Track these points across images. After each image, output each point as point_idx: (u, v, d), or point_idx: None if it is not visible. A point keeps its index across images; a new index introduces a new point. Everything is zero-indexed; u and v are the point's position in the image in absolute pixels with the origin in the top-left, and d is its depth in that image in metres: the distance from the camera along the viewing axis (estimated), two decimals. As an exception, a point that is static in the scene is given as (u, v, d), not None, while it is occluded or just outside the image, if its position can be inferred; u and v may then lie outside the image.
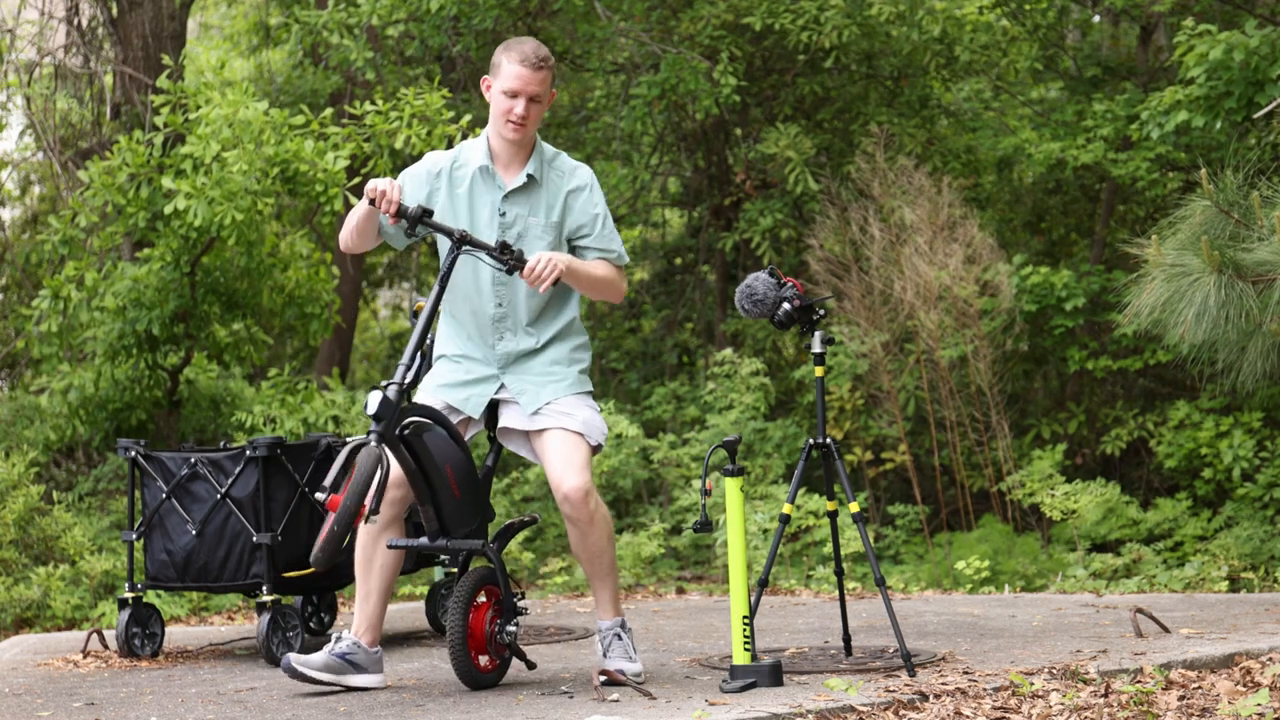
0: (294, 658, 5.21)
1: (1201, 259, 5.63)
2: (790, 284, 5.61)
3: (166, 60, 9.00)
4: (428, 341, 5.50)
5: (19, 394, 10.46)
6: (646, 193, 13.05)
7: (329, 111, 8.98)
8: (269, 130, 8.38)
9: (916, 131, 11.13)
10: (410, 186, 5.28)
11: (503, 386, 5.27)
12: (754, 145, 11.19)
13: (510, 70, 5.18)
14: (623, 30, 11.06)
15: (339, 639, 5.32)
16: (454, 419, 5.28)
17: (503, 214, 5.25)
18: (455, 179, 5.29)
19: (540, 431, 5.21)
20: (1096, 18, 12.75)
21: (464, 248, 5.05)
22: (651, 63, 11.05)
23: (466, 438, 5.30)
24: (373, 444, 4.83)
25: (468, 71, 11.74)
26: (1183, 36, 9.26)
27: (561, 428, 5.17)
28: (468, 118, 8.61)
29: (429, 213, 5.05)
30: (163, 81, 8.67)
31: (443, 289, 5.05)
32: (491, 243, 5.14)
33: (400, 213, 5.03)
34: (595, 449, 5.25)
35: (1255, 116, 8.59)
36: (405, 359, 4.97)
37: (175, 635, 7.08)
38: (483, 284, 5.26)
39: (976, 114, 11.83)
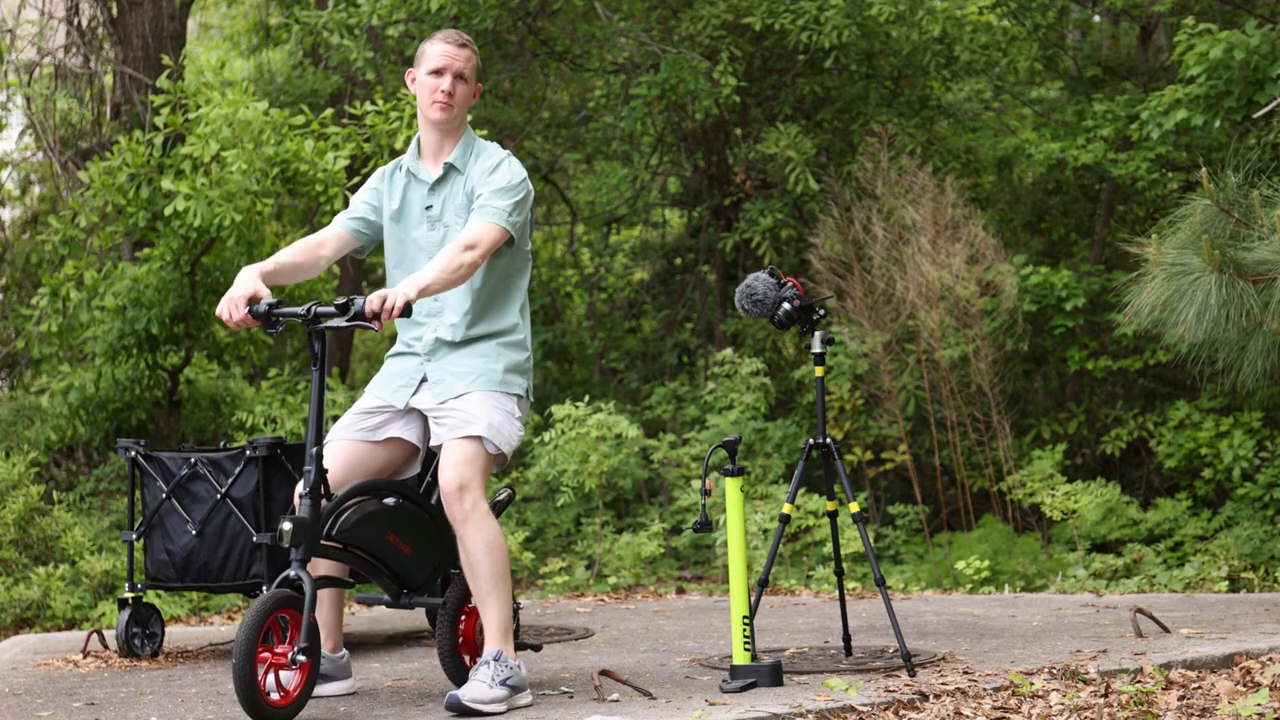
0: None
1: (1202, 258, 5.63)
2: (790, 284, 5.62)
3: (166, 60, 9.00)
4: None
5: (19, 394, 10.46)
6: (646, 193, 13.06)
7: (329, 111, 8.98)
8: (268, 130, 8.38)
9: (916, 131, 11.13)
10: (357, 210, 5.32)
11: (425, 379, 5.16)
12: (754, 145, 11.19)
13: (436, 50, 5.20)
14: (623, 30, 11.06)
15: None
16: (383, 428, 5.16)
17: (429, 207, 5.24)
18: (394, 182, 5.33)
19: (441, 427, 5.06)
20: (1096, 18, 12.75)
21: (316, 325, 4.90)
22: (651, 63, 11.05)
23: (414, 439, 5.18)
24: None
25: (468, 71, 11.71)
26: (1183, 35, 9.27)
27: (461, 435, 4.99)
28: (468, 118, 8.60)
29: (277, 304, 5.00)
30: (163, 81, 8.67)
31: (321, 371, 4.90)
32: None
33: (256, 316, 4.99)
34: (497, 456, 5.06)
35: (1255, 116, 8.59)
36: (310, 451, 4.85)
37: (175, 635, 7.08)
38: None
39: (976, 114, 11.83)
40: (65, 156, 10.65)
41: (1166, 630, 6.28)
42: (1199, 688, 5.13)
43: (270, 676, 4.71)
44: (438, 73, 5.18)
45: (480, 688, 4.87)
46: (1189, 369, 9.62)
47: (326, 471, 4.93)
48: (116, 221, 9.01)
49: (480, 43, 11.25)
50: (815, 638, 6.54)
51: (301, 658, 4.68)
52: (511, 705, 4.92)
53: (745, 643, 5.27)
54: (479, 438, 5.00)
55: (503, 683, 4.90)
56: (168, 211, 8.38)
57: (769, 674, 5.24)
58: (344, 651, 5.35)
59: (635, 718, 4.74)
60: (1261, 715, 4.66)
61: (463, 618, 5.19)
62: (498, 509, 5.30)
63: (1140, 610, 6.33)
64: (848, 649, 5.91)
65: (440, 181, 5.24)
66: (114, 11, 10.46)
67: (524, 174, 5.22)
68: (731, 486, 5.33)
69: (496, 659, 4.94)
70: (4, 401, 10.16)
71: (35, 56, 10.90)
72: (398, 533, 5.06)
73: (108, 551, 8.52)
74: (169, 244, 8.83)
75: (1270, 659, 5.58)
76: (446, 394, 5.09)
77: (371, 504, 5.02)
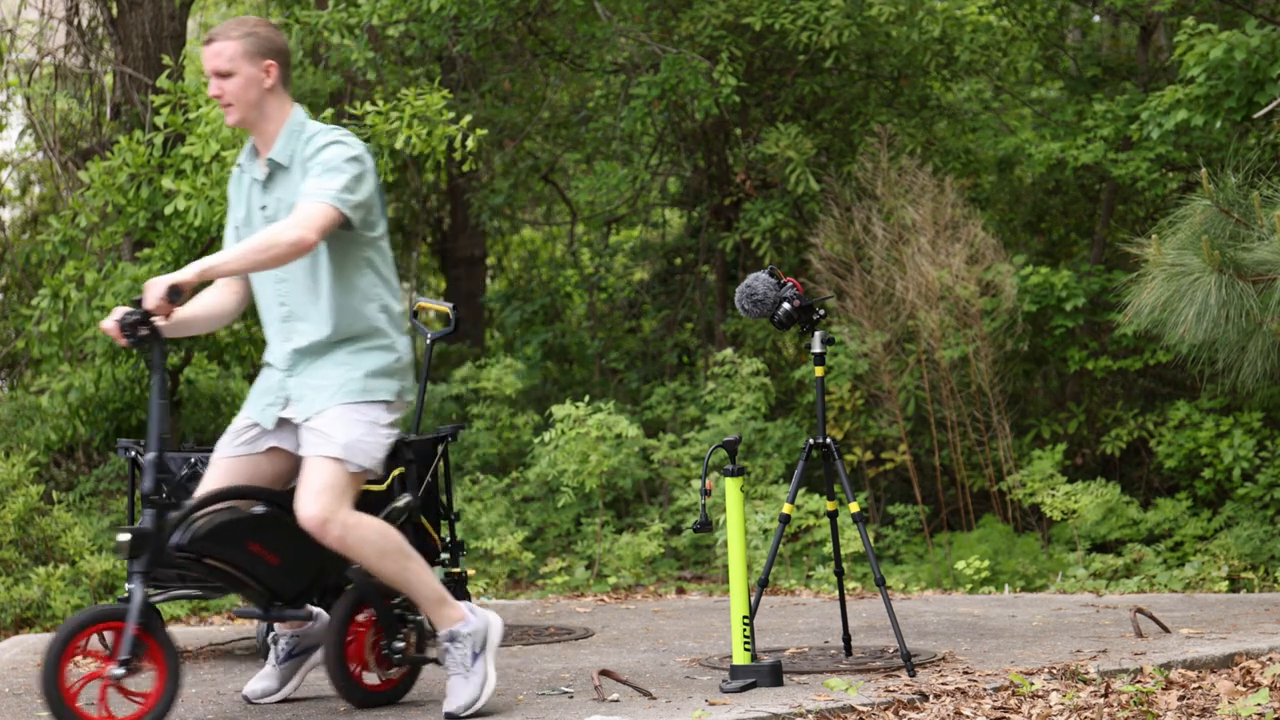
0: (249, 692, 5.20)
1: (1202, 258, 5.63)
2: (790, 284, 5.62)
3: (166, 60, 9.00)
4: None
5: (19, 394, 10.45)
6: (646, 193, 13.05)
7: (329, 112, 8.98)
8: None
9: (916, 132, 11.13)
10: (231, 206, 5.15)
11: (289, 397, 4.89)
12: (754, 145, 11.19)
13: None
14: (622, 30, 11.06)
15: (274, 640, 5.23)
16: (260, 440, 4.90)
17: (263, 207, 4.97)
18: (240, 186, 5.09)
19: (303, 443, 4.81)
20: (1096, 18, 12.75)
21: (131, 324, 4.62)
22: (651, 63, 11.05)
23: (293, 448, 4.88)
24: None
25: (468, 71, 11.74)
26: (1183, 36, 9.26)
27: (318, 454, 4.72)
28: (468, 118, 8.61)
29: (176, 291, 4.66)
30: (163, 81, 8.67)
31: (160, 376, 4.60)
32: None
33: (171, 299, 4.63)
34: (359, 474, 4.76)
35: (1255, 116, 8.60)
36: (147, 458, 4.57)
37: (175, 635, 7.07)
38: (267, 285, 4.97)
39: (976, 114, 11.83)
40: (65, 156, 10.64)
41: (1166, 630, 6.28)
42: (1199, 688, 5.13)
43: (112, 694, 4.54)
44: (208, 77, 4.88)
45: (460, 685, 4.80)
46: (1189, 369, 9.62)
47: (166, 478, 4.66)
48: (116, 221, 9.01)
49: (480, 43, 11.25)
50: (815, 638, 6.54)
51: (119, 671, 4.46)
52: (490, 671, 4.83)
53: (745, 643, 5.27)
54: (336, 459, 4.73)
55: (472, 658, 4.81)
56: (168, 211, 8.39)
57: (769, 674, 5.25)
58: (312, 619, 5.26)
59: (635, 718, 4.74)
60: (1261, 715, 4.66)
61: (350, 635, 5.00)
62: (394, 516, 5.00)
63: (1140, 610, 6.33)
64: (848, 649, 5.91)
65: (270, 180, 4.95)
66: (114, 11, 10.46)
67: (358, 150, 4.86)
68: (731, 486, 5.33)
69: (451, 639, 4.81)
70: (4, 401, 10.16)
71: (35, 56, 10.90)
72: (262, 542, 4.77)
73: (108, 552, 8.52)
74: (169, 244, 8.83)
75: (1270, 659, 5.58)
76: (308, 410, 4.81)
77: (227, 512, 4.74)
